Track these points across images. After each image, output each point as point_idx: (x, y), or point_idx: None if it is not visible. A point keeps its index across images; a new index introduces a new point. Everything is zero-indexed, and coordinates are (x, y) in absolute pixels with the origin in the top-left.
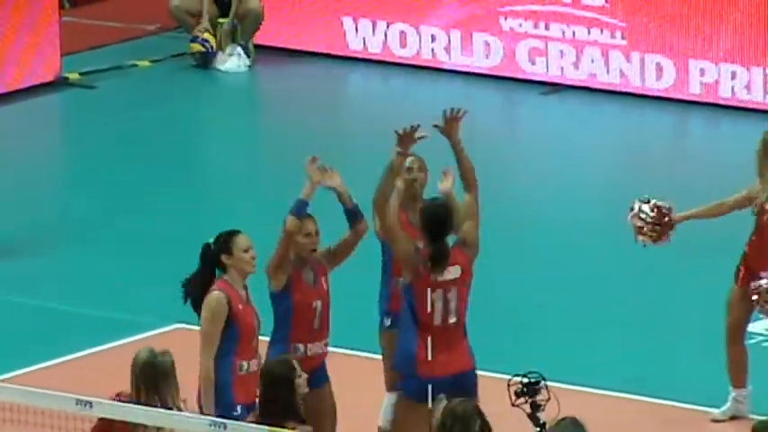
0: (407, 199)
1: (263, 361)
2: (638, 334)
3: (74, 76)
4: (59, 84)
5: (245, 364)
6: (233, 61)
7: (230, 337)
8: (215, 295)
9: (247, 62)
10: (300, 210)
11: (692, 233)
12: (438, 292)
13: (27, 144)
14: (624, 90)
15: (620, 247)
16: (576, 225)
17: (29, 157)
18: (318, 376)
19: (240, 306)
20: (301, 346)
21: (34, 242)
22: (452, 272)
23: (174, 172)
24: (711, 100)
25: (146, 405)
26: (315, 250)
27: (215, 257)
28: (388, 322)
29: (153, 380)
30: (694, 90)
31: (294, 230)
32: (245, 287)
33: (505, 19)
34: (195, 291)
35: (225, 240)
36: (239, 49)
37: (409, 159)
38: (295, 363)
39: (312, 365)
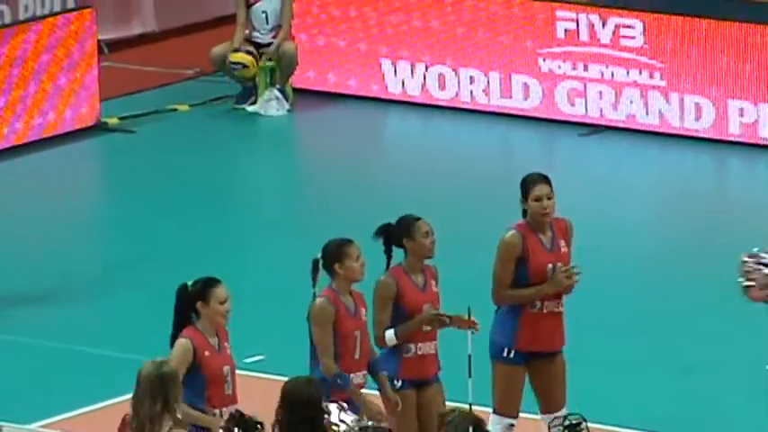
0: (417, 262)
1: (236, 407)
2: (676, 374)
3: (113, 121)
4: (99, 128)
5: (216, 411)
6: (273, 105)
7: (197, 383)
8: (181, 342)
9: (287, 106)
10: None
11: (733, 273)
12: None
13: (67, 188)
14: (663, 131)
15: (660, 286)
16: (615, 265)
17: (68, 201)
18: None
19: (207, 353)
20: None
21: (74, 287)
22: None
23: (213, 215)
24: (751, 140)
25: (149, 415)
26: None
27: (191, 301)
28: (398, 384)
29: (161, 388)
30: (734, 130)
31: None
32: (218, 334)
33: (544, 60)
34: (174, 333)
35: (204, 288)
36: (277, 93)
37: (423, 223)
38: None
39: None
